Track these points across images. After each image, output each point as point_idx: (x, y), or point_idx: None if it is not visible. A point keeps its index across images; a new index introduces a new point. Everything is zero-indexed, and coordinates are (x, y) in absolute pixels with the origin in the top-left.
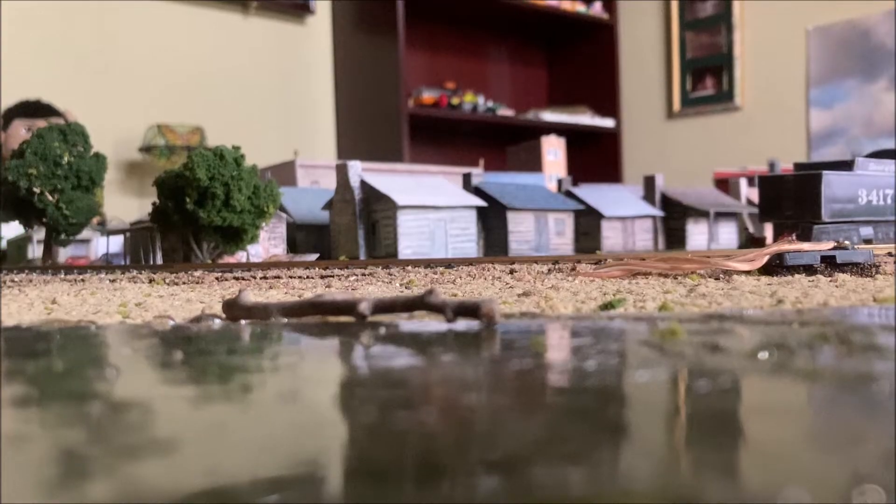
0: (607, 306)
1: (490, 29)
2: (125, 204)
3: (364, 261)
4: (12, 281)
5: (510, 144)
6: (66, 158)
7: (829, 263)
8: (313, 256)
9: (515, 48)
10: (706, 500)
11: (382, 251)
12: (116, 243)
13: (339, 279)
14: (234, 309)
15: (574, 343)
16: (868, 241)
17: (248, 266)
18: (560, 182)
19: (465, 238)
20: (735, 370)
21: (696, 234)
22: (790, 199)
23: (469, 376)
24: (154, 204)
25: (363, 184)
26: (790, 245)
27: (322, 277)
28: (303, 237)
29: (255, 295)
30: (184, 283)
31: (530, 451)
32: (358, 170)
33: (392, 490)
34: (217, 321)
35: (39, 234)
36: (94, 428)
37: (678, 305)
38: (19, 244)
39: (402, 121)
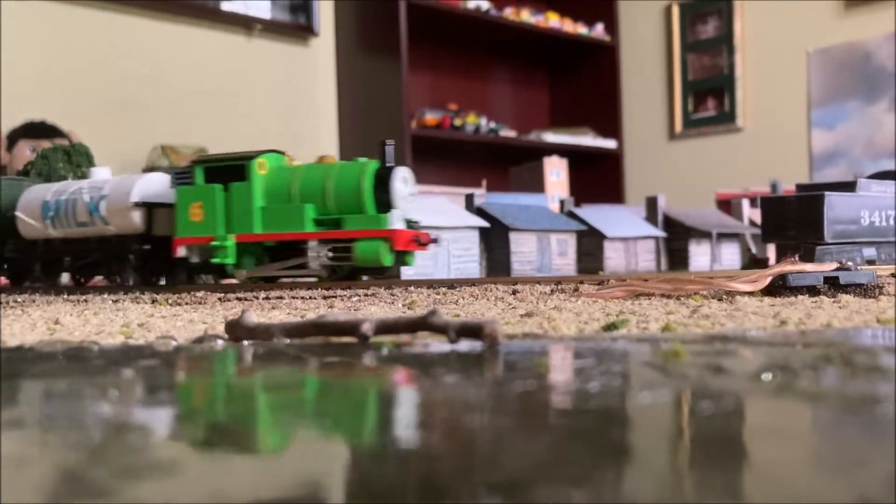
0: (610, 327)
1: (492, 51)
2: None
3: (367, 281)
4: (15, 301)
5: (513, 165)
6: (70, 179)
7: (833, 284)
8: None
9: (518, 70)
10: None
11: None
12: None
13: (342, 299)
14: (236, 329)
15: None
16: (871, 262)
17: (251, 286)
18: (562, 203)
19: (467, 258)
20: (739, 392)
21: (699, 255)
22: (793, 220)
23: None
24: None
25: None
26: (793, 266)
27: (325, 298)
28: None
29: (257, 315)
30: (186, 303)
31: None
32: None
33: None
34: (220, 342)
35: None
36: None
37: (681, 326)
38: None
39: (405, 142)
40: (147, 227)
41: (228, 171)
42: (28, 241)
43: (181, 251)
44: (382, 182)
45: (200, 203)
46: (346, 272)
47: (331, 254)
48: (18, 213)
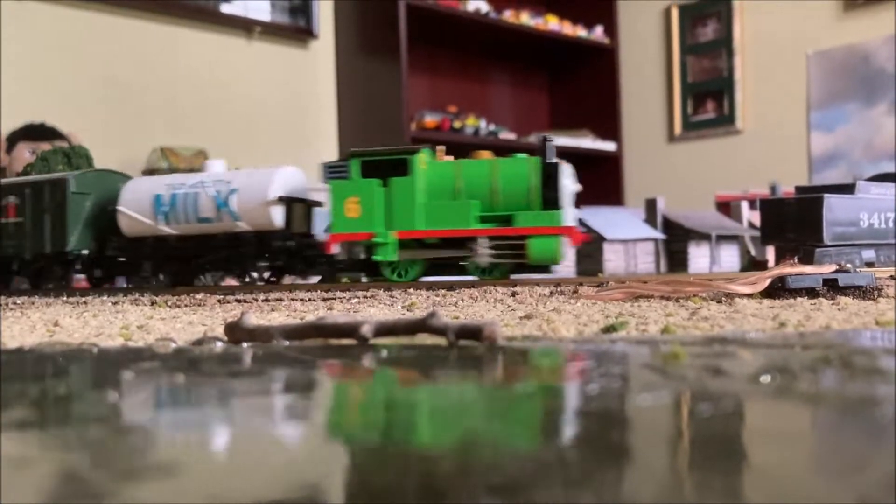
0: (610, 329)
1: (492, 53)
2: None
3: (365, 283)
4: (14, 303)
5: None
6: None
7: (832, 286)
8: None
9: (517, 72)
10: None
11: None
12: None
13: (341, 301)
14: (236, 332)
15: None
16: (870, 265)
17: (251, 289)
18: None
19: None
20: (739, 394)
21: (698, 257)
22: (792, 223)
23: None
24: None
25: None
26: (792, 268)
27: (324, 300)
28: None
29: (257, 317)
30: (186, 305)
31: None
32: None
33: None
34: (219, 344)
35: None
36: None
37: (680, 328)
38: None
39: (404, 144)
40: (287, 223)
41: (388, 165)
42: (133, 239)
43: (335, 248)
44: (550, 179)
45: (357, 198)
46: (507, 270)
47: (499, 251)
48: (122, 209)
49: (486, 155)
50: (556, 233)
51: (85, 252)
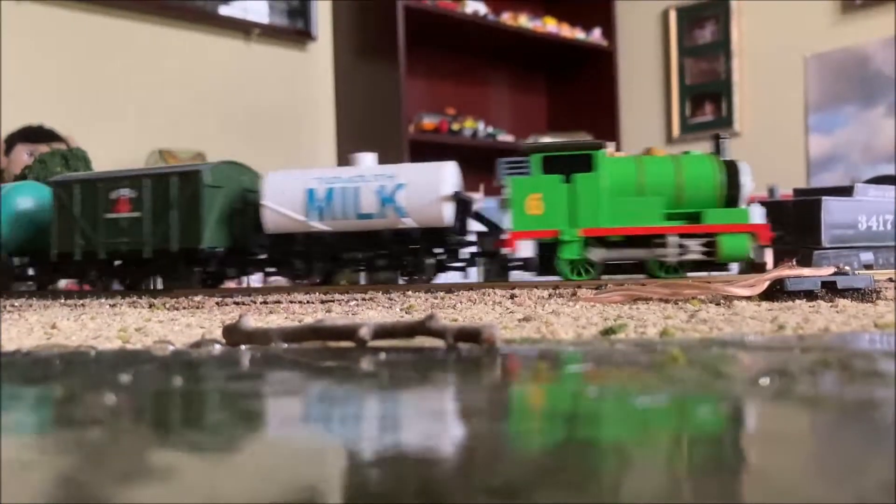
0: (608, 331)
1: (490, 56)
2: None
3: (364, 285)
4: (12, 306)
5: None
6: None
7: (830, 289)
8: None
9: (515, 74)
10: None
11: None
12: None
13: (340, 304)
14: (234, 334)
15: None
16: (868, 266)
17: (249, 291)
18: None
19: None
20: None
21: None
22: (790, 225)
23: None
24: None
25: None
26: (791, 270)
27: (322, 302)
28: None
29: (255, 320)
30: (184, 307)
31: None
32: None
33: None
34: (217, 346)
35: None
36: None
37: (679, 331)
38: None
39: (403, 146)
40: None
41: (570, 160)
42: (279, 236)
43: (518, 246)
44: (732, 177)
45: (540, 195)
46: (688, 267)
47: (690, 247)
48: (268, 204)
49: (659, 152)
50: (746, 230)
51: (219, 249)
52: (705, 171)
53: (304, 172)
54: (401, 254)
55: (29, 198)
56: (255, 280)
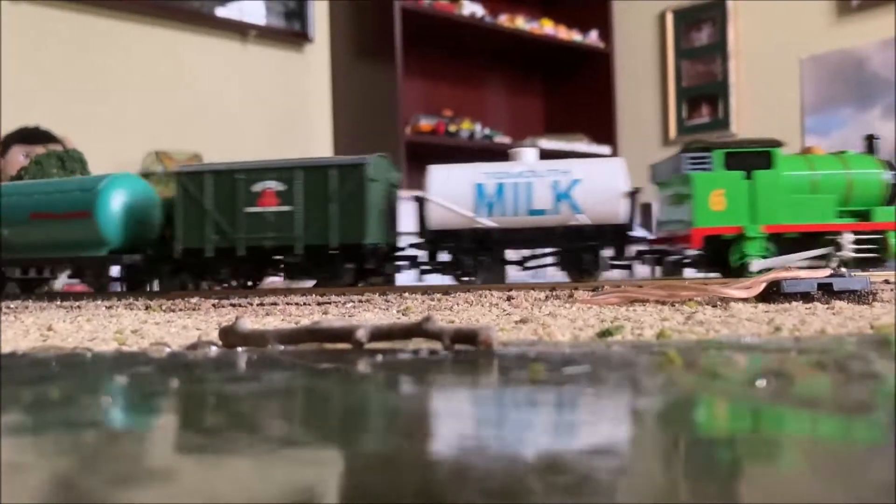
0: (605, 333)
1: (487, 57)
2: None
3: (361, 287)
4: (8, 307)
5: None
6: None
7: (827, 291)
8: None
9: (512, 76)
10: None
11: None
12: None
13: (336, 306)
14: (230, 336)
15: None
16: None
17: (247, 293)
18: None
19: None
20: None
21: None
22: None
23: None
24: None
25: None
26: (787, 272)
27: (319, 304)
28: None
29: (251, 322)
30: (180, 309)
31: None
32: None
33: None
34: (214, 348)
35: None
36: None
37: (676, 333)
38: None
39: (399, 148)
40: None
41: (751, 157)
42: (443, 232)
43: (701, 242)
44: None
45: (723, 190)
46: (851, 264)
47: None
48: (435, 199)
49: (819, 151)
50: None
51: (381, 245)
52: (872, 171)
53: (471, 167)
54: (573, 251)
55: (130, 190)
56: (411, 278)
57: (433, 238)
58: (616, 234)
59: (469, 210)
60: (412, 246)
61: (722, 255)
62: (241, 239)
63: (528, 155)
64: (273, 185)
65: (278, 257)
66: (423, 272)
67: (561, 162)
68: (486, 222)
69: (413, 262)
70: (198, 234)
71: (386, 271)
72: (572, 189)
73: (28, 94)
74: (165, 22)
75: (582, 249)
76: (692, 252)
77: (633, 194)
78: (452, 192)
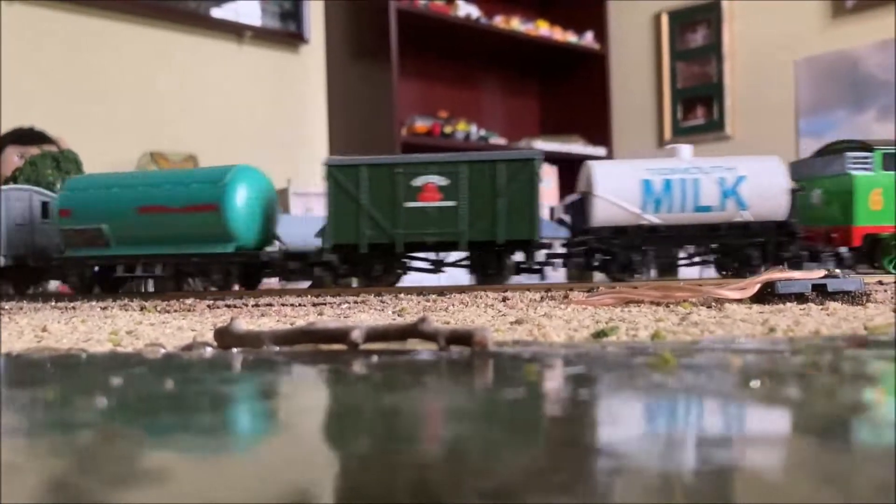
0: (600, 334)
1: (483, 59)
2: None
3: (356, 288)
4: (2, 308)
5: None
6: (58, 185)
7: (821, 292)
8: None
9: (508, 78)
10: None
11: None
12: None
13: (331, 307)
14: (225, 337)
15: None
16: None
17: (240, 293)
18: (552, 210)
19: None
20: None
21: None
22: None
23: None
24: None
25: None
26: (781, 274)
27: (314, 305)
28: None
29: (246, 323)
30: (175, 310)
31: None
32: None
33: None
34: (209, 349)
35: None
36: None
37: (671, 334)
38: None
39: (395, 149)
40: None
41: None
42: (606, 229)
43: (860, 240)
44: None
45: (880, 190)
46: None
47: None
48: (602, 195)
49: None
50: None
51: (546, 240)
52: None
53: (635, 163)
54: (739, 248)
55: (255, 183)
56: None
57: (596, 235)
58: (779, 231)
59: (636, 206)
60: (573, 243)
61: (873, 254)
62: (400, 234)
63: (684, 151)
64: (435, 179)
65: (412, 254)
66: (587, 268)
67: (724, 159)
68: (652, 219)
69: (567, 258)
70: (352, 229)
71: (539, 266)
72: (738, 185)
73: (23, 94)
74: (160, 22)
75: (745, 246)
76: (845, 250)
77: (795, 192)
78: (619, 188)
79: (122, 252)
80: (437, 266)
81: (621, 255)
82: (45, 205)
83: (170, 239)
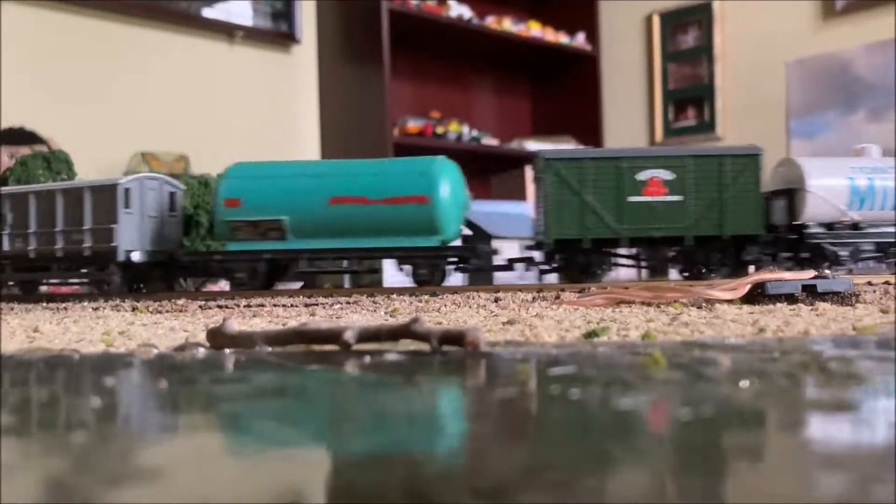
0: (591, 335)
1: (475, 59)
2: None
3: (349, 289)
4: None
5: (494, 173)
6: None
7: (811, 292)
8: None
9: (500, 78)
10: None
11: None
12: None
13: (324, 307)
14: (218, 337)
15: None
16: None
17: (233, 294)
18: None
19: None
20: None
21: None
22: None
23: None
24: None
25: None
26: (772, 274)
27: (306, 306)
28: None
29: (239, 323)
30: (167, 311)
31: None
32: None
33: None
34: (201, 350)
35: None
36: None
37: (661, 334)
38: None
39: (387, 150)
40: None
41: None
42: (820, 224)
43: None
44: None
45: None
46: None
47: None
48: (816, 191)
49: None
50: None
51: (762, 234)
52: None
53: (841, 161)
54: None
55: (454, 176)
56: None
57: (805, 229)
58: None
59: (843, 203)
60: (781, 236)
61: None
62: (626, 229)
63: (874, 151)
64: (660, 173)
65: (615, 249)
66: (802, 262)
67: (886, 159)
68: (854, 216)
69: (776, 251)
70: (576, 223)
71: (754, 260)
72: None
73: (13, 94)
74: (152, 22)
75: None
76: None
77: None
78: (828, 185)
79: (303, 245)
80: (661, 262)
81: (836, 252)
82: (172, 195)
83: (363, 231)
